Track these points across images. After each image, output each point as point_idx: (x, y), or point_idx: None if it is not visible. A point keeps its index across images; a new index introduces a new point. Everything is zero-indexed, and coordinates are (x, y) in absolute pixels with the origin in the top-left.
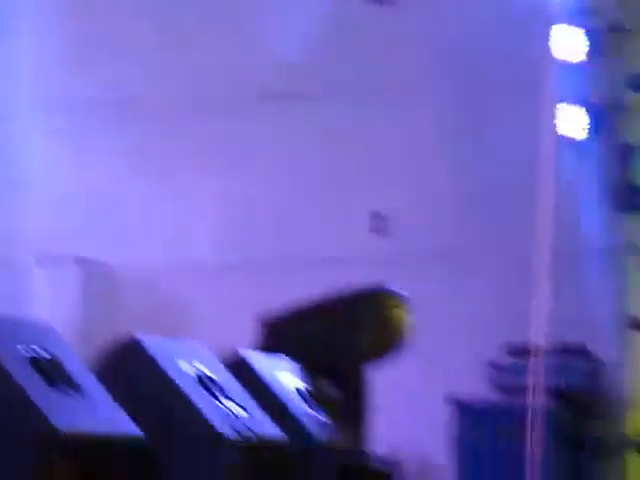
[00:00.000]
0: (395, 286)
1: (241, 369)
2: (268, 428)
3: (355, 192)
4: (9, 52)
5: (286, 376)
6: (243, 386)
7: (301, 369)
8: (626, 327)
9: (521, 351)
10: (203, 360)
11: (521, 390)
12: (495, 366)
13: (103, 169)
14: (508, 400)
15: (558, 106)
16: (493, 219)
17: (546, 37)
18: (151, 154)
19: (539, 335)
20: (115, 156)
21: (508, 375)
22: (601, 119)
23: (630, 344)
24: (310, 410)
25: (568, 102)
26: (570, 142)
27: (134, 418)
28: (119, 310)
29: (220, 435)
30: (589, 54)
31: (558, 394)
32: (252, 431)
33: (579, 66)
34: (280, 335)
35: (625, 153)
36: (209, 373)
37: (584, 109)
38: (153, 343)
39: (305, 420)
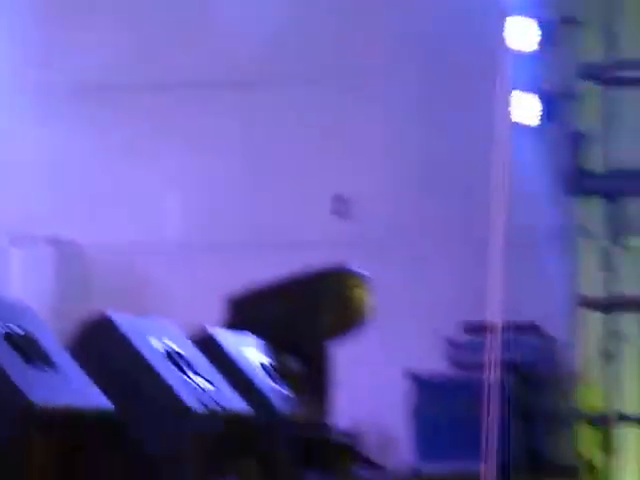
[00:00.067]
0: (356, 267)
1: (208, 345)
2: (234, 401)
3: (319, 176)
4: None
5: (251, 352)
6: (210, 362)
7: (266, 346)
8: (576, 306)
9: (477, 329)
10: (172, 337)
11: (477, 366)
12: (452, 343)
13: (75, 152)
14: (465, 375)
15: (513, 94)
16: (451, 202)
17: (501, 27)
18: (123, 138)
19: (495, 314)
20: (87, 139)
21: (465, 352)
22: (553, 107)
23: (580, 322)
24: (274, 385)
25: (522, 90)
26: (524, 128)
27: (106, 392)
28: (92, 289)
29: (188, 408)
30: (542, 44)
31: (513, 370)
32: (219, 404)
33: (533, 56)
34: (246, 313)
35: (575, 139)
36: (178, 349)
37: (537, 97)
38: (124, 321)
39: (269, 394)
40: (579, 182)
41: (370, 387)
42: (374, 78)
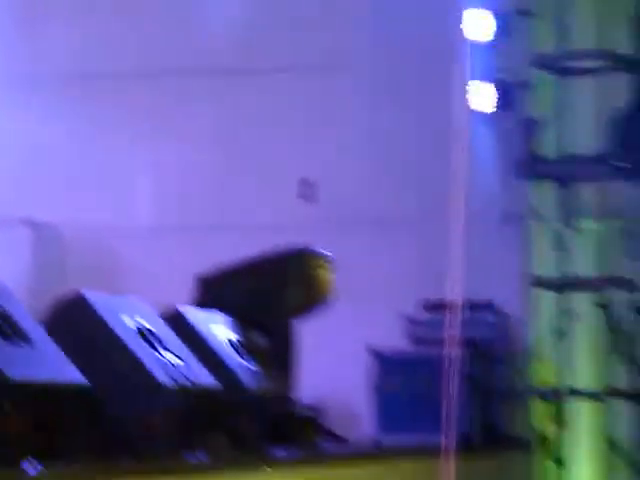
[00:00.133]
0: (321, 248)
1: (179, 323)
2: (203, 377)
3: (285, 161)
4: None
5: (220, 329)
6: (180, 338)
7: (234, 323)
8: (530, 285)
9: (436, 307)
10: (144, 315)
11: (436, 342)
12: (413, 321)
13: (50, 135)
14: (424, 352)
15: (470, 82)
16: (413, 186)
17: (459, 19)
18: (97, 122)
19: (453, 292)
20: (62, 123)
21: (424, 329)
22: (508, 95)
23: (533, 300)
24: (242, 360)
25: (479, 79)
26: (480, 115)
27: (80, 368)
28: (67, 269)
29: (159, 383)
30: (498, 36)
31: (470, 346)
32: (188, 379)
33: (489, 46)
34: (214, 292)
35: (529, 126)
36: (149, 326)
37: (493, 85)
38: (98, 299)
39: (237, 370)
40: (533, 167)
41: (333, 363)
42: (338, 64)
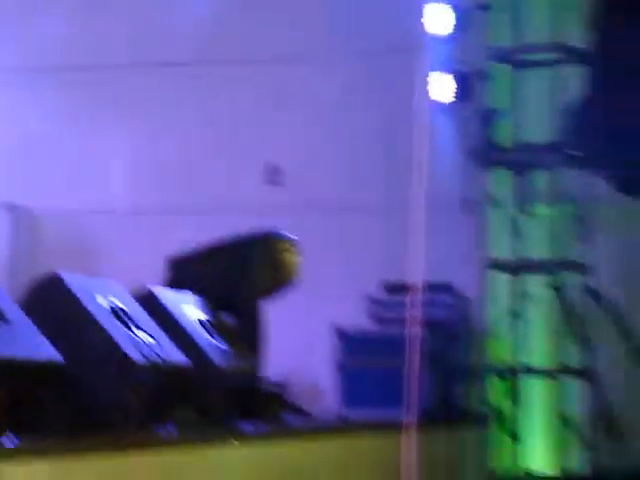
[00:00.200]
0: (287, 231)
1: (150, 303)
2: (174, 354)
3: (253, 147)
4: None
5: (190, 309)
6: (152, 318)
7: (203, 303)
8: (487, 268)
9: (397, 288)
10: (117, 295)
11: (397, 322)
12: (375, 301)
13: (25, 121)
14: (387, 331)
15: (430, 74)
16: (376, 172)
17: (420, 13)
18: (72, 108)
19: (413, 274)
20: (37, 108)
21: (386, 309)
22: (466, 86)
23: (490, 282)
24: (211, 339)
25: (439, 70)
26: (440, 105)
27: (56, 346)
28: (43, 251)
29: (131, 360)
30: (457, 29)
31: (429, 326)
32: (160, 357)
33: (448, 39)
34: (185, 273)
35: (486, 116)
36: (122, 306)
37: (452, 77)
38: (73, 279)
39: (206, 348)
40: (489, 155)
41: (299, 342)
42: (305, 56)
